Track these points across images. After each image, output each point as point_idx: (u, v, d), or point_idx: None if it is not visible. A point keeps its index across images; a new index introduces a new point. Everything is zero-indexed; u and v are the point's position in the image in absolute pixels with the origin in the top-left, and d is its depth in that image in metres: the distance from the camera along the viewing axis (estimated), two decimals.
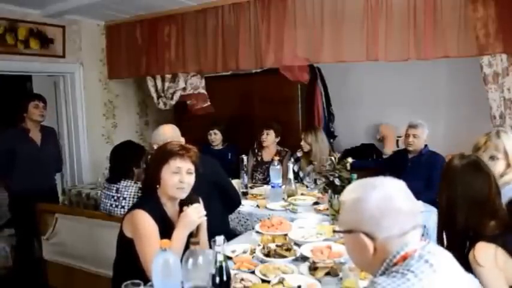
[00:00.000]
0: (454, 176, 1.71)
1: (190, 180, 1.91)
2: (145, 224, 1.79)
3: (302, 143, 3.70)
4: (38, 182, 3.56)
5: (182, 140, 2.60)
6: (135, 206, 1.91)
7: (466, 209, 1.65)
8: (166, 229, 1.80)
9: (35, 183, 3.52)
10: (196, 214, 1.85)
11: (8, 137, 3.59)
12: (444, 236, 1.74)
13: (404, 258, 1.06)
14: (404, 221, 1.09)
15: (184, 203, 1.90)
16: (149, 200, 1.92)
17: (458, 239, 1.67)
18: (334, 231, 1.19)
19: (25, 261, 3.59)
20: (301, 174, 3.71)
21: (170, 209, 1.93)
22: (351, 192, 1.16)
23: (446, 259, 1.10)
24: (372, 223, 1.08)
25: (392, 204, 1.08)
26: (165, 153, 1.91)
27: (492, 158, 2.07)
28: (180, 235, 1.79)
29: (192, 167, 1.92)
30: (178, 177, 1.87)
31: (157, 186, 1.91)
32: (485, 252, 1.53)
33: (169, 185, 1.87)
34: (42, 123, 3.73)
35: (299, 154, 3.80)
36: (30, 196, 3.32)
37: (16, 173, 3.52)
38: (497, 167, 2.06)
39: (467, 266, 1.50)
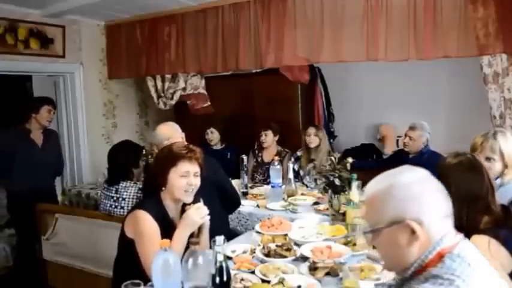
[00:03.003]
0: (447, 175, 1.68)
1: (197, 182, 1.92)
2: (147, 224, 1.79)
3: (312, 137, 3.67)
4: (36, 184, 3.54)
5: (183, 136, 2.60)
6: (136, 207, 1.91)
7: (458, 208, 1.65)
8: (167, 230, 1.80)
9: (33, 184, 3.50)
10: (198, 215, 1.84)
11: (9, 138, 3.58)
12: None
13: (440, 256, 0.99)
14: (441, 201, 1.02)
15: (187, 204, 1.90)
16: (151, 201, 1.92)
17: None
18: (366, 232, 1.08)
19: (25, 261, 3.59)
20: (301, 172, 3.71)
21: (172, 210, 1.93)
22: (377, 185, 1.07)
23: (480, 256, 1.04)
24: (414, 205, 1.00)
25: (426, 182, 1.03)
26: (173, 156, 1.90)
27: (488, 159, 2.07)
28: (181, 235, 1.79)
29: (198, 170, 1.93)
30: (187, 180, 1.88)
31: (163, 188, 1.91)
32: (478, 242, 1.53)
33: (177, 188, 1.88)
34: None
35: (299, 153, 3.80)
36: (29, 197, 3.31)
37: (15, 173, 3.51)
38: (494, 168, 2.06)
39: None
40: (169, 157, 1.92)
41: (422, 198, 1.01)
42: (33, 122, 3.60)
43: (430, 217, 1.00)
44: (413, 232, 1.00)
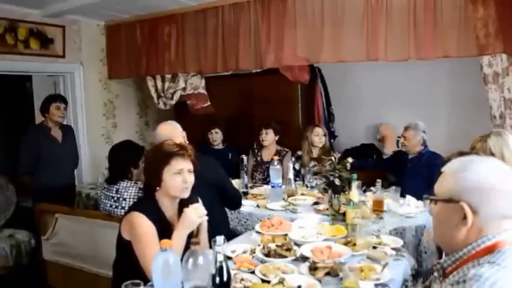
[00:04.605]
0: None
1: (192, 179, 1.91)
2: (143, 225, 1.78)
3: (321, 137, 3.74)
4: (60, 178, 3.72)
5: (184, 135, 2.59)
6: (132, 208, 1.90)
7: None
8: (164, 230, 1.80)
9: (58, 179, 3.66)
10: (196, 214, 1.84)
11: (32, 136, 3.73)
12: None
13: (492, 248, 1.00)
14: (510, 203, 1.02)
15: (183, 204, 1.90)
16: (147, 202, 1.92)
17: None
18: (426, 199, 1.15)
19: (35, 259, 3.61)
20: (302, 171, 3.71)
21: (169, 210, 1.92)
22: (456, 164, 1.10)
23: None
24: (478, 194, 1.02)
25: (504, 180, 1.02)
26: (165, 154, 1.88)
27: None
28: (180, 235, 1.79)
29: (191, 166, 1.92)
30: (181, 177, 1.86)
31: (158, 187, 1.89)
32: None
33: (173, 187, 1.86)
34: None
35: (300, 153, 3.80)
36: (53, 192, 3.43)
37: (40, 170, 3.64)
38: None
39: None
40: (161, 156, 1.89)
41: (490, 192, 1.02)
42: (48, 120, 3.75)
43: (490, 212, 1.02)
44: (464, 217, 1.03)
